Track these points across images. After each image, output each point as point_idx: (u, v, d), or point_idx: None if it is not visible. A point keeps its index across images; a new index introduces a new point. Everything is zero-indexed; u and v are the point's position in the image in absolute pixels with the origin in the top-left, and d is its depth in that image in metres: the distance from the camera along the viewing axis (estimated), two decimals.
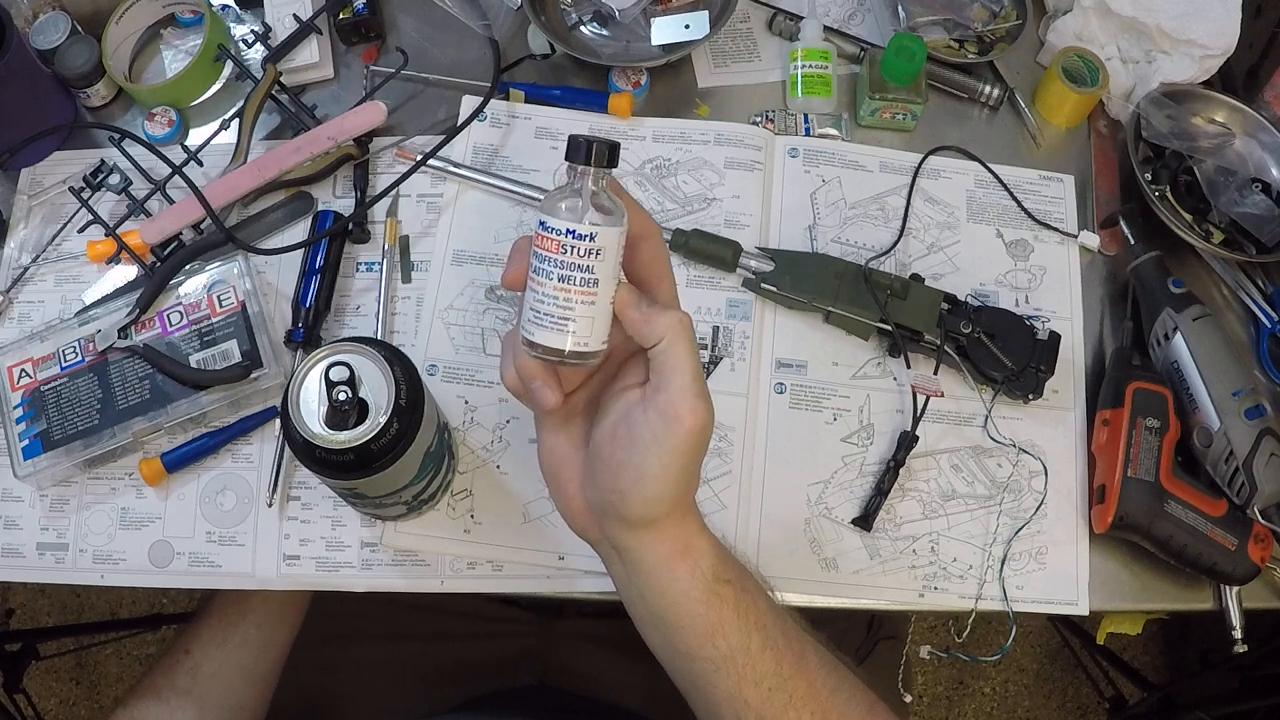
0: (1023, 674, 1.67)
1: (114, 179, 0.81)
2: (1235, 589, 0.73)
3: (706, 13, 0.86)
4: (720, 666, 0.53)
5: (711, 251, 0.78)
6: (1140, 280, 0.79)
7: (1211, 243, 0.81)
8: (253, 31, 0.85)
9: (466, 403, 0.76)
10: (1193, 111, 0.85)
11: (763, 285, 0.78)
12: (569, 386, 0.54)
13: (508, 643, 0.92)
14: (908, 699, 0.95)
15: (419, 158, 0.80)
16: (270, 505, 0.73)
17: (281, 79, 0.83)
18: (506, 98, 0.85)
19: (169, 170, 0.79)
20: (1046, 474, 0.74)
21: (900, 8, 0.88)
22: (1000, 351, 0.75)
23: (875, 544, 0.73)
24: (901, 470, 0.74)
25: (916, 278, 0.78)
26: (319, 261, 0.78)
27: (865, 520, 0.73)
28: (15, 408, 0.72)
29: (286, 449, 0.73)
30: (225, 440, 0.74)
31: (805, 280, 0.77)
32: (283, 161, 0.79)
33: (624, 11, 0.85)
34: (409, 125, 0.85)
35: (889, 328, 0.76)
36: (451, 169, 0.81)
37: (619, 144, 0.50)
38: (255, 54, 0.85)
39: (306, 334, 0.75)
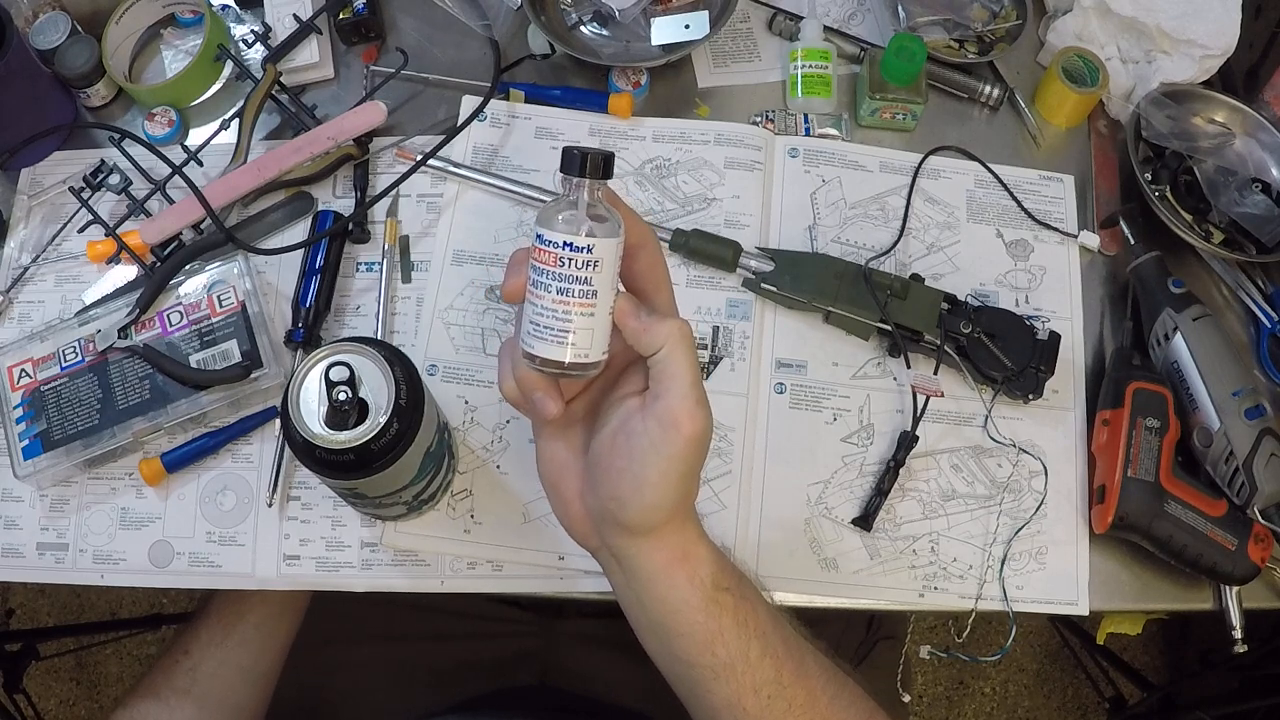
0: (1023, 674, 1.67)
1: (114, 179, 0.81)
2: (1235, 589, 0.73)
3: (706, 13, 0.86)
4: (719, 674, 0.53)
5: (711, 251, 0.78)
6: (1140, 280, 0.79)
7: (1211, 243, 0.81)
8: (253, 31, 0.85)
9: (466, 403, 0.76)
10: (1193, 111, 0.85)
11: (763, 285, 0.78)
12: (568, 395, 0.54)
13: (508, 643, 0.92)
14: (907, 699, 0.95)
15: (419, 158, 0.80)
16: (270, 505, 0.73)
17: (281, 79, 0.83)
18: (506, 98, 0.85)
19: (169, 170, 0.79)
20: (1046, 474, 0.74)
21: (900, 8, 0.88)
22: (1000, 351, 0.75)
23: (875, 544, 0.73)
24: (901, 470, 0.74)
25: (916, 278, 0.78)
26: (319, 261, 0.78)
27: (865, 520, 0.73)
28: (15, 408, 0.72)
29: (286, 449, 0.73)
30: (225, 440, 0.74)
31: (805, 280, 0.77)
32: (283, 161, 0.79)
33: (624, 11, 0.85)
34: (409, 125, 0.85)
35: (889, 328, 0.76)
36: (451, 169, 0.81)
37: (614, 154, 0.50)
38: (255, 54, 0.85)
39: (306, 334, 0.75)
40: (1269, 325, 0.80)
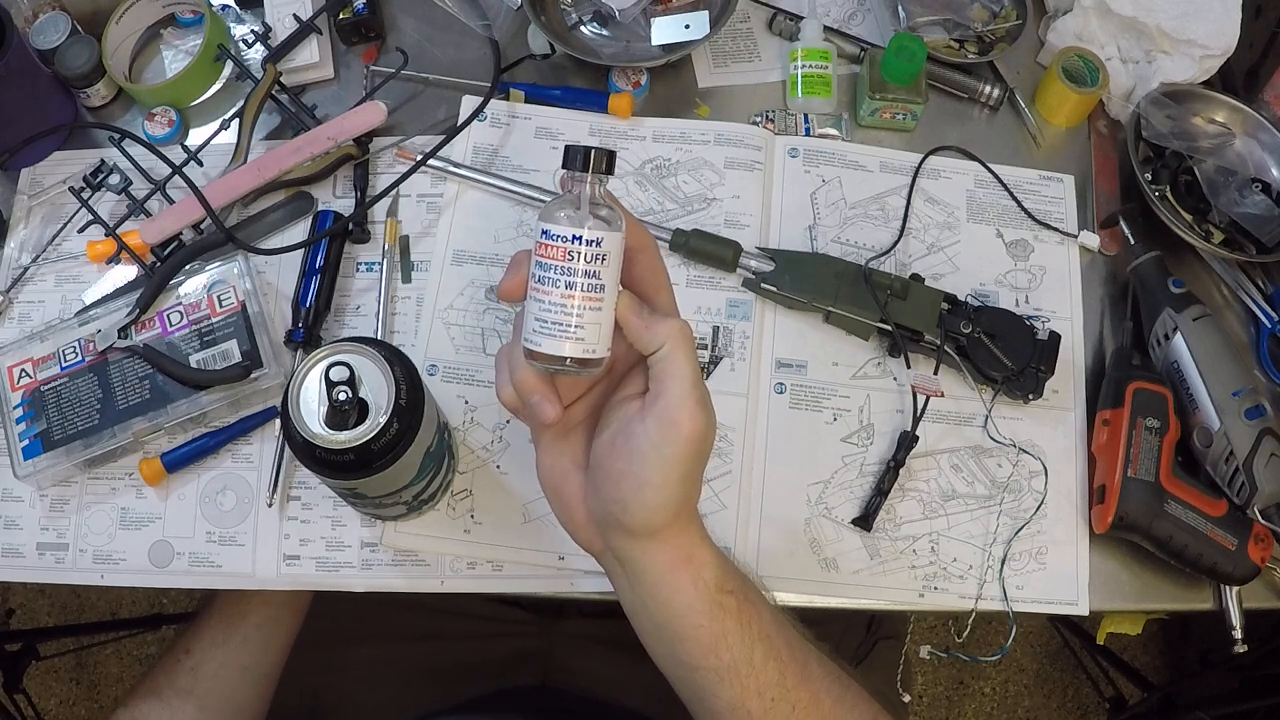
0: (1023, 674, 1.67)
1: (114, 179, 0.81)
2: (1235, 589, 0.73)
3: (706, 13, 0.86)
4: (723, 677, 0.53)
5: (711, 251, 0.78)
6: (1140, 280, 0.79)
7: (1211, 243, 0.81)
8: (253, 31, 0.85)
9: (466, 403, 0.76)
10: (1193, 111, 0.85)
11: (763, 285, 0.78)
12: (567, 398, 0.54)
13: (508, 643, 0.92)
14: (907, 699, 0.95)
15: (419, 158, 0.80)
16: (270, 505, 0.73)
17: (281, 79, 0.83)
18: (506, 98, 0.85)
19: (169, 170, 0.79)
20: (1046, 474, 0.74)
21: (900, 8, 0.88)
22: (1000, 351, 0.75)
23: (875, 544, 0.73)
24: (901, 470, 0.74)
25: (916, 278, 0.78)
26: (319, 261, 0.78)
27: (865, 520, 0.73)
28: (15, 408, 0.72)
29: (286, 449, 0.73)
30: (225, 440, 0.74)
31: (805, 280, 0.77)
32: (283, 161, 0.79)
33: (624, 11, 0.85)
34: (409, 125, 0.85)
35: (889, 328, 0.75)
36: (451, 169, 0.81)
37: (615, 151, 0.50)
38: (255, 54, 0.85)
39: (306, 334, 0.75)
40: (1269, 325, 0.80)
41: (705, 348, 0.77)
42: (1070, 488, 0.75)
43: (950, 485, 0.75)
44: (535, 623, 0.92)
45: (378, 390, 0.58)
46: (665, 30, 0.85)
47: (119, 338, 0.73)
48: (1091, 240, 0.82)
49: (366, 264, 0.80)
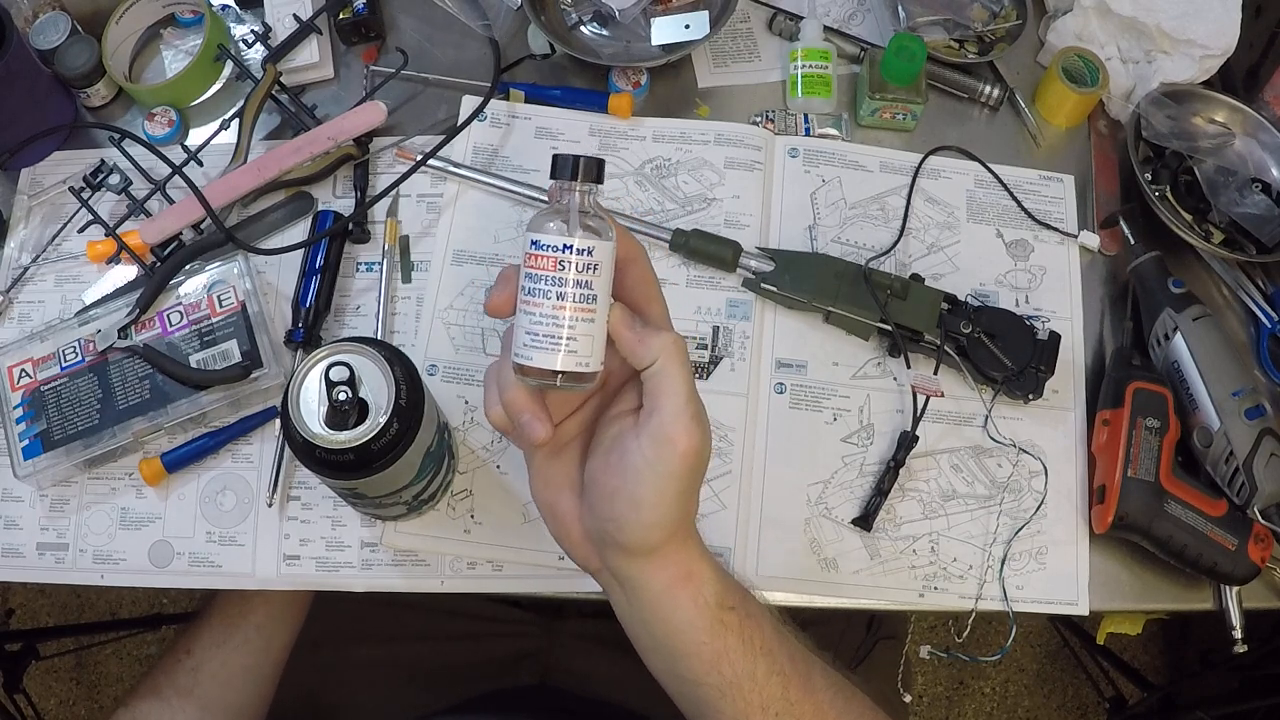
0: (1023, 674, 1.67)
1: (114, 179, 0.81)
2: (1235, 589, 0.73)
3: (706, 13, 0.86)
4: (726, 693, 0.52)
5: (711, 251, 0.78)
6: (1140, 280, 0.79)
7: (1211, 243, 0.81)
8: (253, 31, 0.85)
9: (466, 403, 0.76)
10: (1193, 111, 0.85)
11: (763, 285, 0.78)
12: (558, 415, 0.53)
13: (508, 643, 0.92)
14: (907, 699, 0.95)
15: (419, 158, 0.80)
16: (270, 505, 0.73)
17: (281, 79, 0.83)
18: (506, 98, 0.85)
19: (169, 170, 0.79)
20: (1046, 474, 0.74)
21: (900, 8, 0.88)
22: (1000, 351, 0.75)
23: (875, 544, 0.73)
24: (901, 470, 0.74)
25: (916, 278, 0.78)
26: (319, 261, 0.78)
27: (865, 520, 0.73)
28: (15, 408, 0.72)
29: (286, 449, 0.73)
30: (225, 440, 0.74)
31: (805, 280, 0.77)
32: (283, 161, 0.79)
33: (624, 11, 0.85)
34: (409, 125, 0.85)
35: (889, 328, 0.75)
36: (451, 169, 0.81)
37: (604, 160, 0.49)
38: (255, 54, 0.85)
39: (306, 334, 0.75)
40: (1269, 325, 0.80)
41: (705, 348, 0.77)
42: (1070, 488, 0.75)
43: (950, 485, 0.75)
44: (535, 623, 0.92)
45: (378, 390, 0.58)
46: (665, 30, 0.85)
47: (119, 338, 0.73)
48: (1091, 240, 0.82)
49: (366, 264, 0.80)
